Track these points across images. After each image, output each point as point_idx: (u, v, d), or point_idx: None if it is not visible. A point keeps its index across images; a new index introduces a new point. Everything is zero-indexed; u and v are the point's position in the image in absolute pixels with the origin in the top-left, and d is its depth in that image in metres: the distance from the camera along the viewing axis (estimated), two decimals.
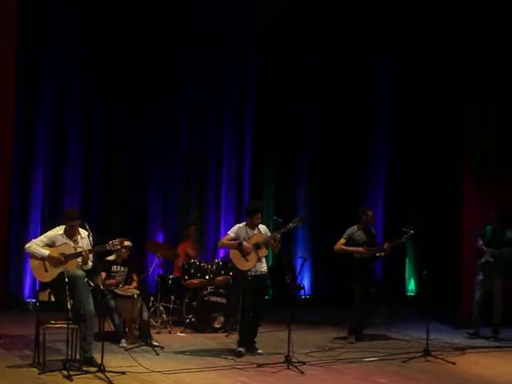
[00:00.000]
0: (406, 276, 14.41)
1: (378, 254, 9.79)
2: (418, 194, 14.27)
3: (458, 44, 12.44)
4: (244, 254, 8.68)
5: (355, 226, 9.85)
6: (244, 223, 8.92)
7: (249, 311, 8.70)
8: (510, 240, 10.19)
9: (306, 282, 13.72)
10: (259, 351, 8.68)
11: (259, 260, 8.75)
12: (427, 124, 13.83)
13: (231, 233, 8.89)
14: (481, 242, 10.26)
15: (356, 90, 13.86)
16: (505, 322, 10.31)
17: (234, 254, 8.76)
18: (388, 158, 14.33)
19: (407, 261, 14.34)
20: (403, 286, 14.36)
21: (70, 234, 7.85)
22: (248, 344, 8.69)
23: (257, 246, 8.69)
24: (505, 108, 11.78)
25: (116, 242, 7.84)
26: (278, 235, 8.73)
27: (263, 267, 8.83)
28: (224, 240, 8.99)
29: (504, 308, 10.30)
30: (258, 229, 8.84)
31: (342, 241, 9.80)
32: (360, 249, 9.66)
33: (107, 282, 9.41)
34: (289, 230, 8.92)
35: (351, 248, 9.72)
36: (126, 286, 9.64)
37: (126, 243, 9.28)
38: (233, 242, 8.80)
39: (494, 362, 8.75)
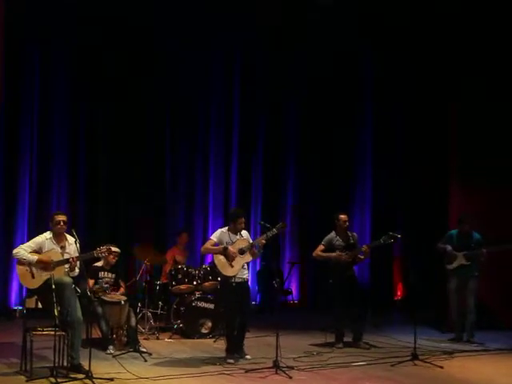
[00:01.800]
0: (394, 280, 14.44)
1: (359, 257, 9.69)
2: (406, 197, 14.31)
3: (445, 45, 12.52)
4: (229, 259, 8.58)
5: (333, 232, 9.78)
6: (226, 228, 8.79)
7: (234, 318, 8.66)
8: (479, 241, 10.19)
9: (293, 286, 13.73)
10: (247, 357, 8.65)
11: (242, 266, 8.64)
12: (414, 125, 13.90)
13: (214, 238, 8.75)
14: (450, 248, 10.21)
15: (342, 89, 13.91)
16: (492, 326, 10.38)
17: (219, 260, 8.63)
18: (375, 160, 14.37)
19: (395, 264, 14.38)
20: (391, 289, 14.39)
21: (59, 238, 7.83)
22: (236, 350, 8.66)
23: (241, 252, 8.60)
24: (491, 109, 11.87)
25: (103, 248, 7.83)
26: (263, 241, 8.63)
27: (245, 274, 8.73)
28: (207, 245, 8.83)
29: (488, 312, 10.33)
30: (241, 234, 8.73)
31: (321, 247, 9.73)
32: (334, 254, 9.60)
33: (93, 289, 9.37)
34: (273, 236, 8.75)
35: (326, 254, 9.66)
36: (113, 293, 9.60)
37: (114, 249, 9.27)
38: (216, 247, 8.70)
39: (481, 366, 8.77)
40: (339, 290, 9.57)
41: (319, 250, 9.74)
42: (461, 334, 10.22)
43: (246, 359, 8.59)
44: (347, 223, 9.81)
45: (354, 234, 10.00)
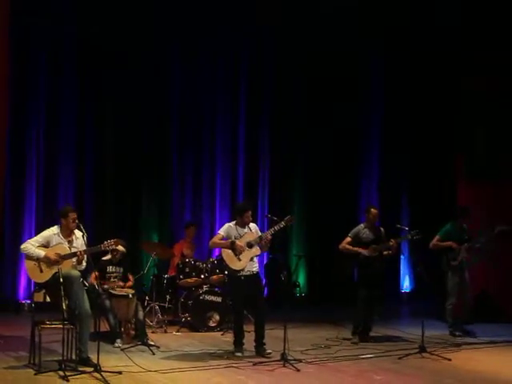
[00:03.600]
0: (401, 273, 14.44)
1: (385, 253, 9.59)
2: (412, 191, 14.31)
3: (450, 44, 12.52)
4: (237, 253, 8.55)
5: (362, 225, 9.67)
6: (234, 222, 8.76)
7: (241, 311, 8.69)
8: (467, 232, 10.20)
9: (300, 280, 13.73)
10: (268, 351, 8.46)
11: (251, 259, 8.62)
12: (421, 123, 13.90)
13: (222, 232, 8.73)
14: (455, 244, 10.05)
15: (348, 88, 13.88)
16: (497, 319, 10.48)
17: (227, 254, 8.62)
18: (381, 155, 14.35)
19: (402, 257, 14.37)
20: (398, 282, 14.39)
21: (66, 232, 7.86)
22: (256, 348, 8.55)
23: (249, 245, 8.57)
24: (496, 108, 11.87)
25: (111, 242, 7.85)
26: (270, 235, 8.58)
27: (255, 267, 8.68)
28: (215, 239, 8.79)
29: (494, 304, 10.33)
30: (249, 227, 8.70)
31: (348, 239, 9.60)
32: (361, 249, 9.50)
33: (102, 283, 9.37)
34: (281, 229, 8.68)
35: (354, 248, 9.53)
36: (120, 285, 9.62)
37: (121, 249, 9.35)
38: (224, 241, 8.68)
39: (489, 358, 8.78)
40: (364, 285, 9.52)
41: (346, 243, 9.61)
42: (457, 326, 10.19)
43: (268, 354, 8.40)
44: (377, 217, 9.71)
45: (381, 228, 9.82)
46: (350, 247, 9.58)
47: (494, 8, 11.71)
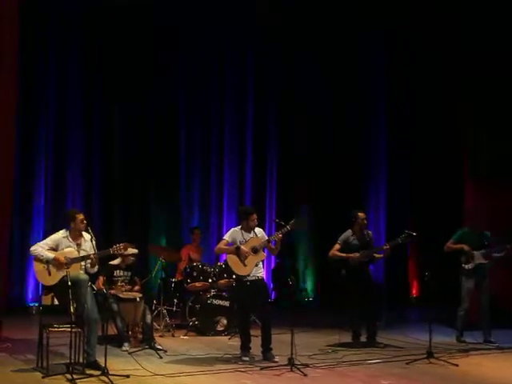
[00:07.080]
0: (409, 278, 14.41)
1: (377, 256, 9.62)
2: (420, 195, 14.29)
3: (456, 45, 12.53)
4: (242, 258, 8.50)
5: (350, 231, 9.62)
6: (239, 227, 8.71)
7: (247, 316, 8.67)
8: (489, 238, 10.06)
9: (308, 284, 13.73)
10: (276, 359, 8.41)
11: (256, 264, 8.57)
12: (428, 125, 13.90)
13: (227, 237, 8.69)
14: (467, 247, 9.93)
15: (355, 90, 13.90)
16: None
17: (232, 259, 8.56)
18: (389, 159, 14.35)
19: (410, 263, 14.34)
20: (406, 287, 14.35)
21: (75, 235, 7.88)
22: (263, 354, 8.53)
23: (254, 250, 8.51)
24: (503, 107, 11.86)
25: (120, 246, 7.86)
26: (276, 238, 8.52)
27: (260, 272, 8.64)
28: (220, 245, 8.76)
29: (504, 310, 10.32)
30: (254, 232, 8.64)
31: (337, 246, 9.56)
32: (352, 255, 9.44)
33: (110, 291, 9.36)
34: (286, 232, 8.60)
35: (345, 254, 9.48)
36: (128, 288, 9.63)
37: (133, 251, 9.35)
38: (229, 246, 8.64)
39: (497, 364, 8.73)
40: (354, 289, 9.50)
41: (335, 250, 9.58)
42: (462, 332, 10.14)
43: (275, 361, 8.35)
44: (365, 221, 9.72)
45: (369, 232, 9.84)
46: (340, 254, 9.52)
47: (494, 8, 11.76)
